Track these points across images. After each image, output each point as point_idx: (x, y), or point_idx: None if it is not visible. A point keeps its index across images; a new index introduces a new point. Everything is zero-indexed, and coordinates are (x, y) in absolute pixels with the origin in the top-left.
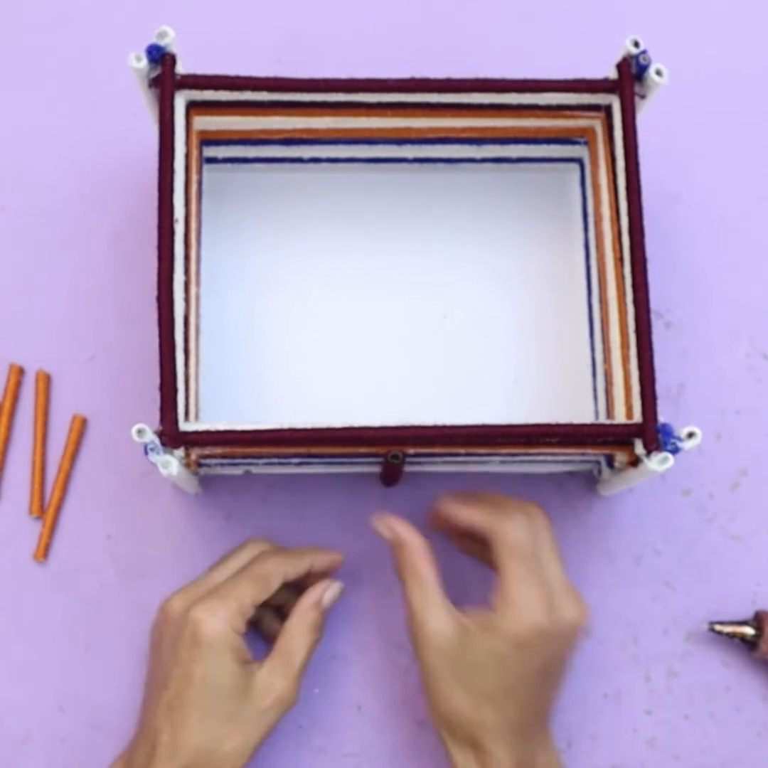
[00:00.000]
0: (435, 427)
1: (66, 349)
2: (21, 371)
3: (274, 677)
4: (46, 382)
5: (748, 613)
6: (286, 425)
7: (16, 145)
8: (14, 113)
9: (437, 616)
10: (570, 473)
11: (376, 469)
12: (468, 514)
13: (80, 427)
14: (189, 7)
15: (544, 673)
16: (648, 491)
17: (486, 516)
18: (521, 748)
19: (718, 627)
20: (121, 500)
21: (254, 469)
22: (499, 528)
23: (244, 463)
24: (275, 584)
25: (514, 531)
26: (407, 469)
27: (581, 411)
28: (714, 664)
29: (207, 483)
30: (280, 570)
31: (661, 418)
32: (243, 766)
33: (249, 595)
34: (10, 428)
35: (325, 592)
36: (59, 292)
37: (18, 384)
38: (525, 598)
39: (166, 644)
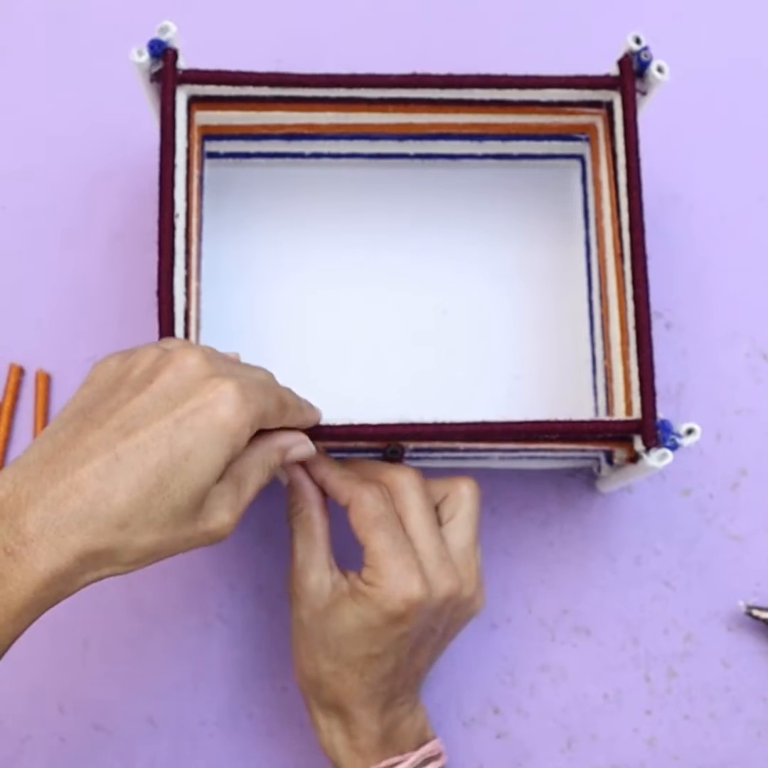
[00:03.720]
0: (434, 424)
1: (66, 349)
2: (21, 371)
3: (220, 504)
4: (46, 382)
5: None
6: None
7: (16, 144)
8: (14, 113)
9: (318, 574)
10: (570, 473)
11: None
12: (330, 478)
13: None
14: (188, 10)
15: (415, 643)
16: (648, 491)
17: (344, 481)
18: (386, 714)
19: (756, 612)
20: None
21: None
22: (355, 496)
23: None
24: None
25: (369, 501)
26: (406, 463)
27: (581, 407)
28: (714, 664)
29: None
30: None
31: (661, 415)
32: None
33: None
34: (10, 428)
35: (297, 445)
36: (59, 292)
37: (18, 384)
38: (394, 572)
39: None
